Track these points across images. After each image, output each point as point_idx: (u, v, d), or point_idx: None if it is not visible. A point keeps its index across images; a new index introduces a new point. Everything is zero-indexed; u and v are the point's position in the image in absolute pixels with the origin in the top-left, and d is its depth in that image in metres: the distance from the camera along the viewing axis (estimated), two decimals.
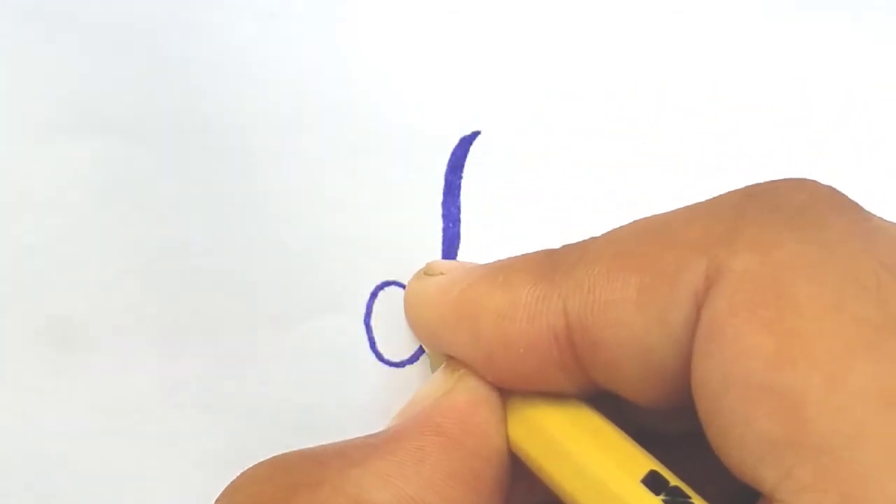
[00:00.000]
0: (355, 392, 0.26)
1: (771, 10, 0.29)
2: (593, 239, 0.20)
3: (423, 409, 0.20)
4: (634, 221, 0.20)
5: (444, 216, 0.27)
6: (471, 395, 0.20)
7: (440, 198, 0.27)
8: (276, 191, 0.27)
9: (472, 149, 0.27)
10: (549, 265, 0.20)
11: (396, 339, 0.26)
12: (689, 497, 0.18)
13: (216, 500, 0.19)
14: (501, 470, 0.20)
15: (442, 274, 0.23)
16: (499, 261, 0.21)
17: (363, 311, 0.26)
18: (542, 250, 0.21)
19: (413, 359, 0.26)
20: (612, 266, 0.19)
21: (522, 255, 0.21)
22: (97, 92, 0.27)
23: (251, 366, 0.26)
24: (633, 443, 0.19)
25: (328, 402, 0.26)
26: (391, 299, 0.26)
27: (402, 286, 0.27)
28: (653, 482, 0.18)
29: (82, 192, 0.27)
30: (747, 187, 0.19)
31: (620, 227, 0.20)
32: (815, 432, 0.16)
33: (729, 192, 0.19)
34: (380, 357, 0.26)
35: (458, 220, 0.27)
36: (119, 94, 0.27)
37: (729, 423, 0.17)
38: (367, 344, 0.26)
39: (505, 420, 0.21)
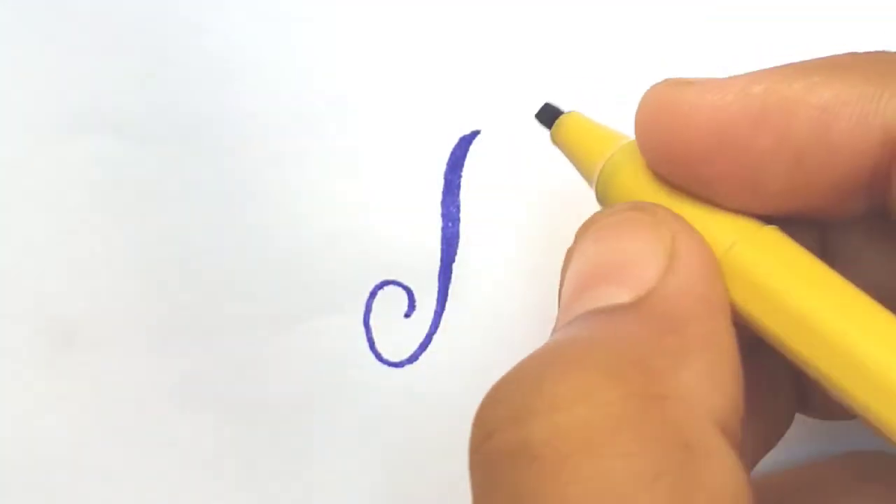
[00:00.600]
0: (354, 392, 0.26)
1: (772, 10, 0.29)
2: None
3: (675, 273, 0.17)
4: None
5: (444, 215, 0.27)
6: (702, 253, 0.17)
7: (439, 197, 0.27)
8: (275, 190, 0.27)
9: (471, 148, 0.27)
10: (882, 63, 0.17)
11: (395, 338, 0.26)
12: None
13: (523, 419, 0.16)
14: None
15: (707, 82, 0.18)
16: (801, 62, 0.18)
17: (362, 310, 0.26)
18: (857, 52, 0.18)
19: (412, 359, 0.26)
20: None
21: (834, 56, 0.18)
22: (97, 92, 0.27)
23: (251, 366, 0.26)
24: (874, 301, 0.17)
25: (327, 402, 0.26)
26: (390, 299, 0.26)
27: (402, 286, 0.27)
28: None
29: (82, 192, 0.27)
30: None
31: None
32: None
33: None
34: (379, 357, 0.26)
35: (458, 220, 0.27)
36: (119, 94, 0.27)
37: None
38: (366, 344, 0.26)
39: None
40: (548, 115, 0.23)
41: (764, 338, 0.17)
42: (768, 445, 0.22)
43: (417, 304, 0.27)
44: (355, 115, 0.28)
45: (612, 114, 0.28)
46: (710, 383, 0.16)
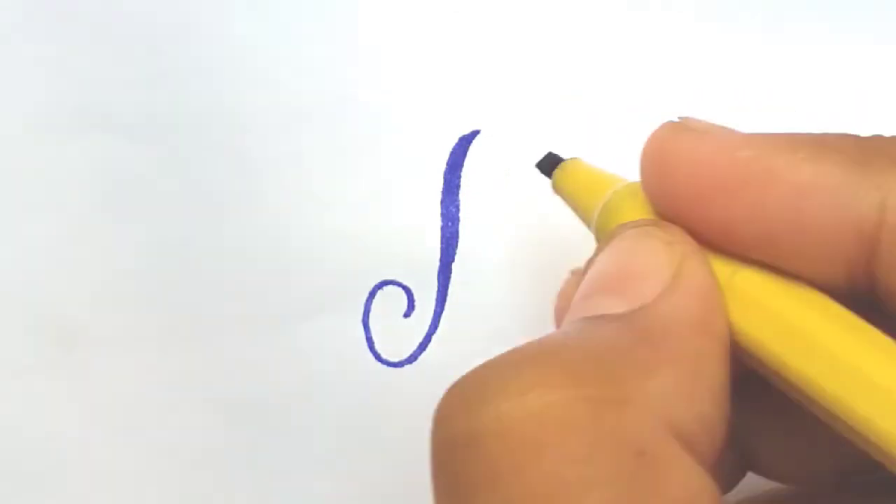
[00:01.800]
0: (353, 392, 0.26)
1: (773, 10, 0.29)
2: None
3: (669, 293, 0.17)
4: None
5: (443, 215, 0.27)
6: (706, 276, 0.18)
7: (439, 197, 0.27)
8: (274, 190, 0.27)
9: (471, 148, 0.27)
10: (867, 150, 0.17)
11: (394, 338, 0.26)
12: None
13: (475, 404, 0.15)
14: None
15: (706, 132, 0.19)
16: (795, 134, 0.18)
17: (361, 310, 0.26)
18: (850, 134, 0.18)
19: (411, 359, 0.26)
20: None
21: (825, 134, 0.18)
22: (97, 92, 0.27)
23: (251, 366, 0.26)
24: (885, 336, 0.17)
25: (326, 402, 0.26)
26: (389, 299, 0.26)
27: (401, 286, 0.27)
28: None
29: (82, 192, 0.27)
30: None
31: None
32: None
33: None
34: (377, 357, 0.26)
35: (457, 220, 0.27)
36: (119, 94, 0.27)
37: None
38: (365, 344, 0.26)
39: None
40: (548, 164, 0.23)
41: (763, 365, 0.17)
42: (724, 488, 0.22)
43: (417, 304, 0.26)
44: (355, 115, 0.28)
45: (613, 113, 0.28)
46: (676, 396, 0.16)
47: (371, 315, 0.26)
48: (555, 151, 0.24)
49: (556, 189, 0.23)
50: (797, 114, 0.28)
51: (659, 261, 0.18)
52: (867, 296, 0.18)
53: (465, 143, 0.27)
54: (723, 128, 0.19)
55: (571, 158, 0.23)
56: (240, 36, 0.28)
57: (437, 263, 0.27)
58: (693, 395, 0.16)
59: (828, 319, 0.17)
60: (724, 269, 0.18)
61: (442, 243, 0.27)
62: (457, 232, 0.27)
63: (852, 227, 0.17)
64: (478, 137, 0.27)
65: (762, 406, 0.20)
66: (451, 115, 0.27)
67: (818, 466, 0.21)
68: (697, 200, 0.18)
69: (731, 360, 0.17)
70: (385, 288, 0.27)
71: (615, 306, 0.17)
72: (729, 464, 0.21)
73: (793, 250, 0.17)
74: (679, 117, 0.19)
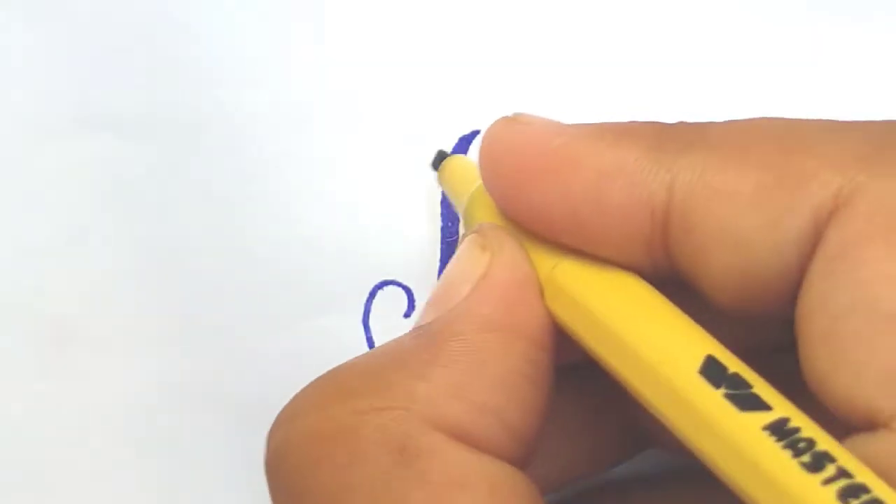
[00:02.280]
0: None
1: (774, 11, 0.29)
2: (713, 123, 0.19)
3: (466, 298, 0.19)
4: (763, 118, 0.19)
5: (444, 215, 0.27)
6: (510, 274, 0.19)
7: (439, 197, 0.27)
8: (274, 190, 0.27)
9: (471, 148, 0.27)
10: (663, 138, 0.19)
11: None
12: (751, 385, 0.16)
13: (272, 431, 0.18)
14: (552, 348, 0.19)
15: (529, 124, 0.20)
16: (604, 122, 0.20)
17: (361, 311, 0.26)
18: (655, 122, 0.19)
19: None
20: (731, 156, 0.18)
21: (632, 122, 0.19)
22: (97, 92, 0.27)
23: (251, 366, 0.26)
24: (688, 320, 0.18)
25: None
26: (390, 299, 0.26)
27: (401, 286, 0.27)
28: (711, 371, 0.17)
29: (82, 192, 0.27)
30: (892, 120, 0.18)
31: (747, 119, 0.19)
32: None
33: (871, 121, 0.18)
34: None
35: (458, 219, 0.27)
36: (119, 94, 0.27)
37: (846, 348, 0.16)
38: (365, 344, 0.26)
39: (542, 294, 0.19)
40: (438, 160, 0.25)
41: (588, 352, 0.18)
42: (610, 459, 0.24)
43: (417, 304, 0.27)
44: (355, 115, 0.28)
45: (613, 113, 0.28)
46: (445, 393, 0.17)
47: (371, 315, 0.26)
48: (444, 149, 0.25)
49: (440, 182, 0.25)
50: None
51: (471, 266, 0.19)
52: (673, 276, 0.19)
53: (465, 143, 0.27)
54: (547, 120, 0.20)
55: (453, 155, 0.25)
56: (240, 36, 0.28)
57: (437, 264, 0.27)
58: (470, 389, 0.17)
59: (637, 313, 0.18)
60: (547, 263, 0.19)
61: (442, 243, 0.27)
62: (457, 232, 0.27)
63: (646, 207, 0.18)
64: (478, 137, 0.27)
65: None
66: (451, 115, 0.27)
67: None
68: (518, 189, 0.19)
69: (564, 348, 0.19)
70: (385, 288, 0.27)
71: (429, 317, 0.19)
72: (630, 439, 0.23)
73: (598, 233, 0.19)
74: (513, 113, 0.20)
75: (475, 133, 0.27)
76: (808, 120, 0.19)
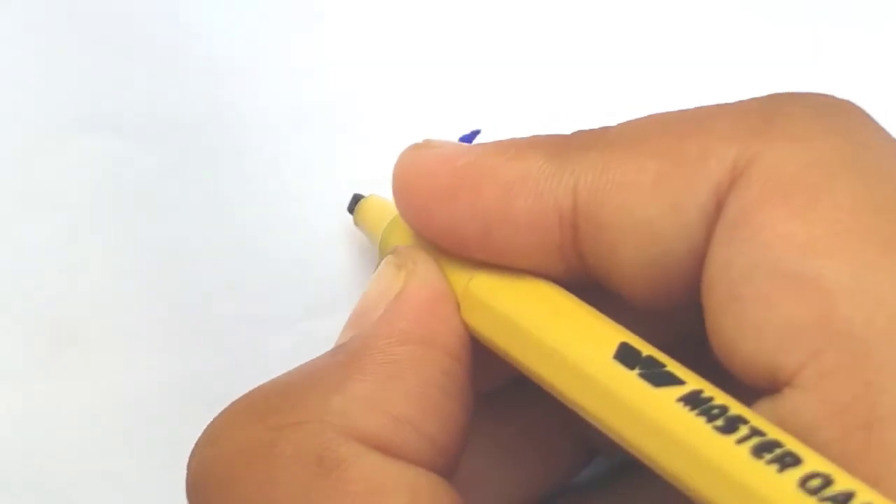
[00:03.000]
0: None
1: (774, 11, 0.29)
2: (610, 126, 0.19)
3: (382, 314, 0.19)
4: (659, 112, 0.19)
5: None
6: (425, 290, 0.19)
7: None
8: (274, 190, 0.27)
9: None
10: (564, 145, 0.19)
11: None
12: (665, 364, 0.17)
13: (191, 456, 0.18)
14: (468, 361, 0.19)
15: (438, 147, 0.21)
16: (505, 139, 0.20)
17: None
18: (557, 133, 0.20)
19: None
20: (629, 150, 0.18)
21: (534, 136, 0.20)
22: (97, 92, 0.27)
23: (251, 366, 0.26)
24: (598, 314, 0.18)
25: None
26: None
27: None
28: (625, 356, 0.17)
29: (82, 192, 0.27)
30: (777, 93, 0.19)
31: (640, 117, 0.19)
32: (845, 319, 0.16)
33: (759, 97, 0.19)
34: None
35: None
36: (119, 94, 0.27)
37: (747, 309, 0.16)
38: None
39: (459, 308, 0.20)
40: (353, 203, 0.26)
41: (508, 360, 0.19)
42: (560, 476, 0.24)
43: None
44: (355, 115, 0.28)
45: (613, 113, 0.28)
46: (359, 405, 0.18)
47: None
48: (358, 192, 0.26)
49: (357, 224, 0.26)
50: None
51: (387, 285, 0.20)
52: (589, 280, 0.19)
53: (465, 143, 0.27)
54: (456, 143, 0.21)
55: (368, 196, 0.26)
56: (240, 36, 0.28)
57: None
58: (384, 401, 0.18)
59: (550, 314, 0.18)
60: (462, 278, 0.20)
61: None
62: None
63: (553, 213, 0.19)
64: (478, 138, 0.27)
65: None
66: (452, 116, 0.27)
67: None
68: (429, 210, 0.20)
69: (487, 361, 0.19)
70: None
71: (346, 337, 0.19)
72: (577, 451, 0.23)
73: (510, 245, 0.19)
74: (423, 140, 0.21)
75: (475, 133, 0.27)
76: (699, 107, 0.19)
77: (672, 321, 0.19)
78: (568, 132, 0.20)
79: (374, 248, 0.27)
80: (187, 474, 0.18)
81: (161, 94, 0.27)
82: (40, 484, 0.26)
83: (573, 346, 0.18)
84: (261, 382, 0.26)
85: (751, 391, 0.17)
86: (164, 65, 0.28)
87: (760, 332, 0.16)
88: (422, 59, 0.28)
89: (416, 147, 0.21)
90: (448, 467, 0.18)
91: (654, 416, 0.16)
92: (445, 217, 0.20)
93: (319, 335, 0.27)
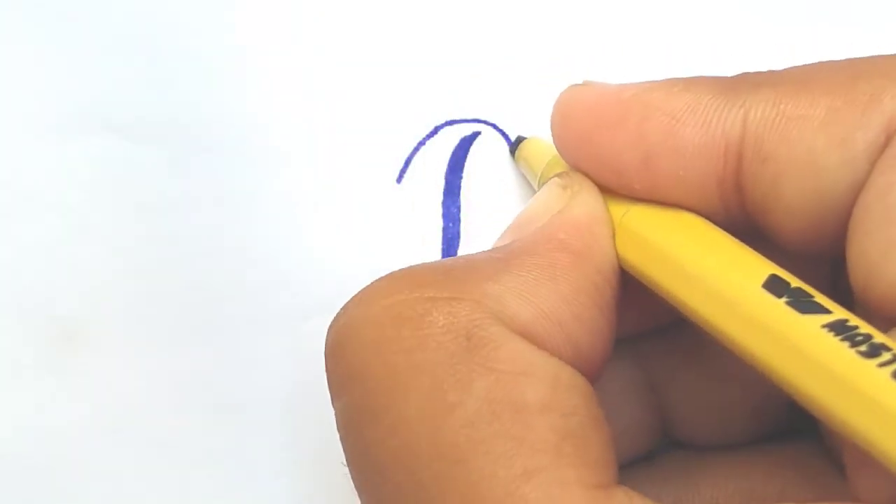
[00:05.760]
0: None
1: (774, 11, 0.29)
2: (777, 69, 0.20)
3: (545, 224, 0.20)
4: (824, 61, 0.20)
5: (444, 216, 0.27)
6: (588, 210, 0.20)
7: (440, 198, 0.27)
8: (275, 190, 0.27)
9: (471, 149, 0.27)
10: (733, 82, 0.19)
11: None
12: (812, 296, 0.17)
13: (337, 316, 0.19)
14: (618, 288, 0.20)
15: (600, 85, 0.21)
16: (669, 78, 0.20)
17: None
18: (718, 76, 0.20)
19: None
20: (801, 87, 0.19)
21: (698, 76, 0.20)
22: (97, 92, 0.27)
23: (251, 366, 0.26)
24: (750, 250, 0.19)
25: (328, 402, 0.26)
26: None
27: None
28: (774, 286, 0.17)
29: (82, 192, 0.27)
30: None
31: (809, 63, 0.20)
32: None
33: None
34: None
35: (458, 220, 0.27)
36: (119, 94, 0.27)
37: None
38: None
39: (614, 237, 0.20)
40: (515, 144, 0.27)
41: (656, 292, 0.19)
42: (629, 452, 0.24)
43: None
44: (356, 115, 0.28)
45: None
46: (515, 296, 0.18)
47: None
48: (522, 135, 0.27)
49: (517, 160, 0.26)
50: None
51: (552, 201, 0.20)
52: (743, 218, 0.20)
53: (465, 144, 0.27)
54: (616, 84, 0.21)
55: (529, 137, 0.26)
56: (240, 36, 0.28)
57: None
58: (538, 296, 0.18)
59: (701, 246, 0.19)
60: (618, 211, 0.20)
61: (443, 244, 0.27)
62: (458, 233, 0.27)
63: (720, 144, 0.19)
64: (478, 138, 0.27)
65: (676, 369, 0.22)
66: (452, 116, 0.28)
67: (732, 425, 0.22)
68: (591, 142, 0.20)
69: (635, 305, 0.20)
70: None
71: (505, 241, 0.20)
72: (647, 428, 0.23)
73: (672, 176, 0.19)
74: (582, 81, 0.21)
75: (476, 134, 0.27)
76: (867, 56, 0.19)
77: (818, 271, 0.19)
78: None
79: (375, 247, 0.27)
80: (329, 333, 0.19)
81: (161, 94, 0.27)
82: (40, 484, 0.26)
83: (724, 276, 0.18)
84: (260, 382, 0.26)
85: (888, 321, 0.17)
86: (164, 65, 0.28)
87: None
88: (423, 59, 0.28)
89: (577, 86, 0.21)
90: (586, 377, 0.18)
91: (799, 340, 0.16)
92: (608, 147, 0.20)
93: (319, 335, 0.26)
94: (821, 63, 0.19)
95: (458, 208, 0.27)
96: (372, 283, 0.19)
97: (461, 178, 0.27)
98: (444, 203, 0.27)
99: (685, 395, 0.22)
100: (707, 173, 0.19)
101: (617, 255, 0.20)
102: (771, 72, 0.20)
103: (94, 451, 0.26)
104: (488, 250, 0.20)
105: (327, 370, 0.19)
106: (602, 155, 0.20)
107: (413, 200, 0.27)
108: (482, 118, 0.28)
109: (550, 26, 0.28)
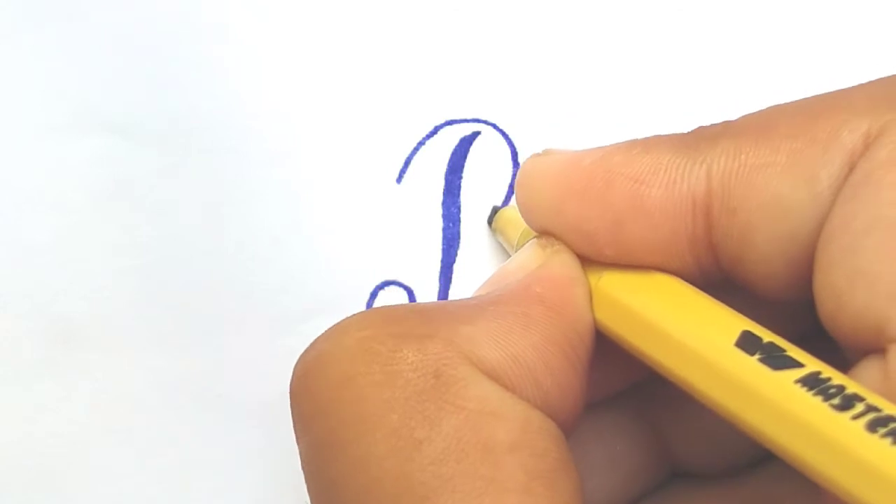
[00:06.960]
0: None
1: (774, 11, 0.29)
2: (732, 119, 0.20)
3: (522, 278, 0.20)
4: (777, 104, 0.20)
5: (444, 216, 0.27)
6: (565, 269, 0.20)
7: (440, 198, 0.27)
8: (275, 190, 0.27)
9: (471, 149, 0.27)
10: (692, 137, 0.20)
11: None
12: (785, 350, 0.17)
13: (306, 351, 0.18)
14: (591, 349, 0.20)
15: (561, 153, 0.21)
16: (627, 140, 0.20)
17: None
18: (674, 133, 0.20)
19: None
20: (760, 135, 0.19)
21: (653, 136, 0.20)
22: (97, 92, 0.27)
23: (251, 366, 0.26)
24: (722, 305, 0.19)
25: None
26: (391, 299, 0.26)
27: (402, 286, 0.27)
28: (747, 343, 0.17)
29: (82, 192, 0.27)
30: None
31: (761, 109, 0.20)
32: None
33: (886, 77, 0.19)
34: None
35: (459, 220, 0.27)
36: (119, 94, 0.27)
37: (863, 261, 0.17)
38: None
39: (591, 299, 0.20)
40: (492, 214, 0.27)
41: (634, 354, 0.19)
42: (636, 490, 0.24)
43: None
44: (356, 115, 0.28)
45: (613, 113, 0.28)
46: (487, 339, 0.18)
47: None
48: (497, 205, 0.27)
49: (493, 230, 0.27)
50: None
51: (530, 259, 0.20)
52: (717, 271, 0.20)
53: (465, 144, 0.27)
54: (577, 150, 0.21)
55: (504, 207, 0.27)
56: (241, 36, 0.28)
57: (438, 264, 0.27)
58: (510, 342, 0.18)
59: (675, 307, 0.19)
60: (593, 276, 0.20)
61: (443, 244, 0.27)
62: (458, 233, 0.27)
63: (687, 201, 0.19)
64: (478, 138, 0.27)
65: (677, 407, 0.22)
66: (452, 116, 0.28)
67: (736, 453, 0.22)
68: (558, 212, 0.20)
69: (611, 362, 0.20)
70: (386, 288, 0.27)
71: (484, 292, 0.20)
72: (653, 467, 0.23)
73: (642, 239, 0.19)
74: (543, 149, 0.21)
75: (476, 134, 0.27)
76: (824, 93, 0.19)
77: (793, 317, 0.20)
78: (569, 133, 0.20)
79: (375, 247, 0.27)
80: (297, 367, 0.18)
81: (161, 94, 0.27)
82: (40, 484, 0.26)
83: (697, 336, 0.18)
84: (260, 382, 0.26)
85: (859, 351, 0.17)
86: (163, 65, 0.27)
87: (873, 284, 0.17)
88: (424, 59, 0.28)
89: (537, 155, 0.21)
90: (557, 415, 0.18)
91: (773, 398, 0.16)
92: (575, 215, 0.20)
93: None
94: (778, 106, 0.19)
95: (458, 208, 0.27)
96: (343, 320, 0.19)
97: (461, 178, 0.27)
98: (444, 203, 0.27)
99: (687, 428, 0.22)
100: (677, 232, 0.19)
101: (593, 318, 0.20)
102: (727, 122, 0.20)
103: (94, 451, 0.26)
104: (465, 298, 0.20)
105: (293, 406, 0.18)
106: (570, 224, 0.20)
107: (413, 200, 0.27)
108: (482, 118, 0.28)
109: (550, 26, 0.28)
